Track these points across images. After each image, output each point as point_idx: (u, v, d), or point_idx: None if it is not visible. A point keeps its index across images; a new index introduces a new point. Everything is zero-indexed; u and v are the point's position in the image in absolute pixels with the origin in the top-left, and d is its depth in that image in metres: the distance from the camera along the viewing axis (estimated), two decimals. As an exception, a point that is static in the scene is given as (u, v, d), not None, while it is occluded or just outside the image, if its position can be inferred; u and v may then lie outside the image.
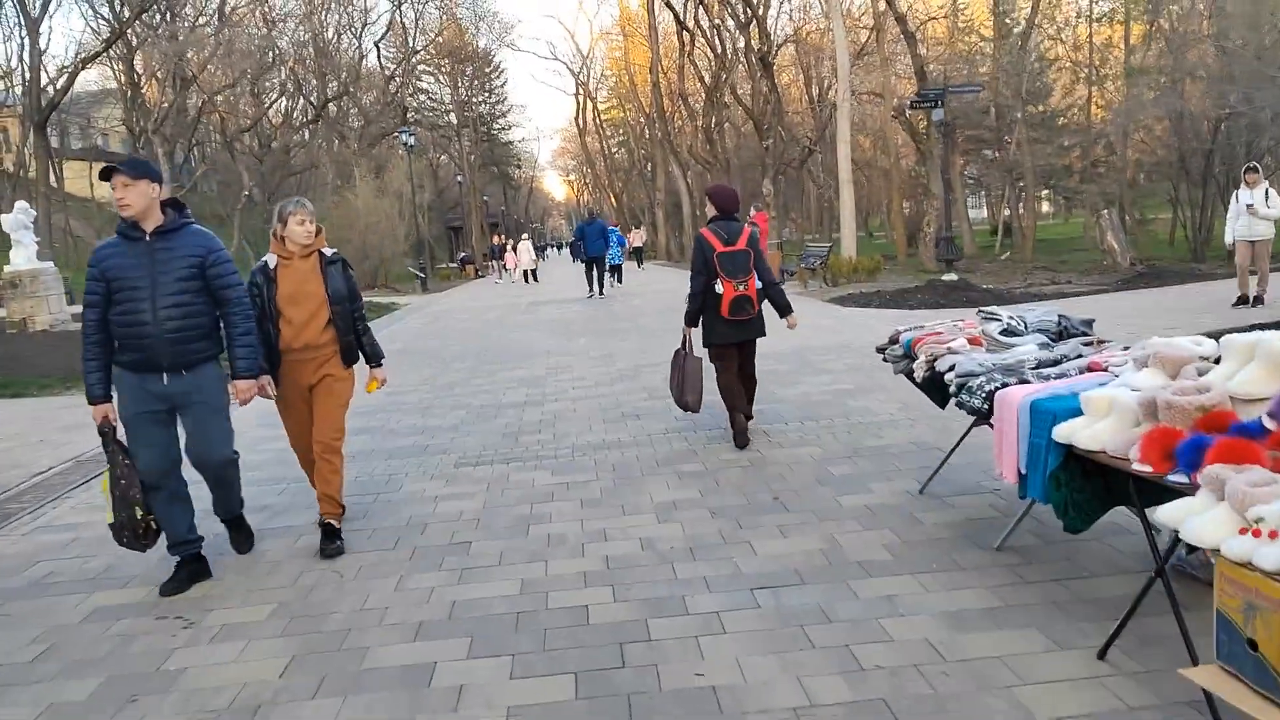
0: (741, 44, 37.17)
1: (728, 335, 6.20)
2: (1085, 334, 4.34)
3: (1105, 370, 3.49)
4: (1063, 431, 2.93)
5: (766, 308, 6.39)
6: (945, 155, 15.74)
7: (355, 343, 4.78)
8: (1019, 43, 30.91)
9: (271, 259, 4.60)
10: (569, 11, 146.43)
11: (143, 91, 37.90)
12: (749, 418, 6.37)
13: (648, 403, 7.79)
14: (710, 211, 6.38)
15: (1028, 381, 3.52)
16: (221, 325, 4.21)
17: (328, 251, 4.71)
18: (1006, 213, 47.60)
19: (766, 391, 7.78)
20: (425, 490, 5.58)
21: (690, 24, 33.69)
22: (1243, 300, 11.39)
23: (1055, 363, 3.76)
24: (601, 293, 20.80)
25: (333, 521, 4.63)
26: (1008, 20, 43.21)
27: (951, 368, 3.95)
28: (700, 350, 6.32)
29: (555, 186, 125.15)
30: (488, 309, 20.13)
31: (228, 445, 4.30)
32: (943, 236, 15.54)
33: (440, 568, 4.25)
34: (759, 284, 6.15)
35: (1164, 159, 33.00)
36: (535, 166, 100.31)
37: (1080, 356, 3.79)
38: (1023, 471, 3.26)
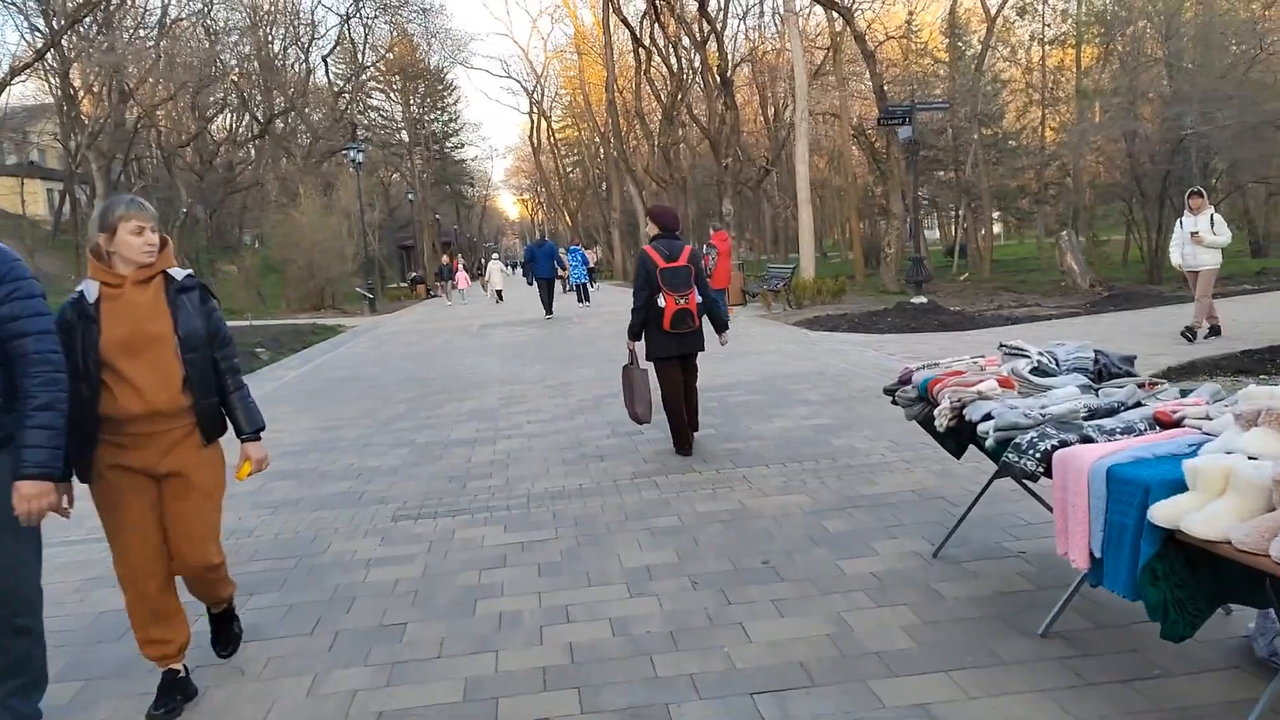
0: (698, 62, 36.89)
1: (670, 348, 6.40)
2: (1129, 373, 3.73)
3: (1181, 424, 2.85)
4: (1165, 514, 2.28)
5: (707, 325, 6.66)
6: (913, 174, 15.30)
7: (220, 408, 3.33)
8: (973, 65, 30.96)
9: (91, 287, 3.06)
10: (522, 29, 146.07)
11: (79, 105, 36.42)
12: (694, 429, 6.60)
13: (611, 440, 7.07)
14: (652, 230, 6.60)
15: (1090, 438, 2.87)
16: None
17: (178, 274, 3.20)
18: (960, 233, 47.89)
19: (741, 427, 7.11)
20: (356, 551, 4.79)
21: (646, 41, 33.23)
22: (1188, 332, 10.13)
23: (1112, 411, 3.12)
24: (550, 313, 20.51)
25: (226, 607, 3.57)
26: (960, 43, 43.65)
27: (987, 417, 3.28)
28: (645, 363, 6.51)
29: (509, 206, 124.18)
30: (437, 332, 19.27)
31: (27, 583, 2.81)
32: (913, 258, 15.08)
33: (366, 661, 3.48)
34: (699, 299, 6.40)
35: (1117, 181, 33.29)
36: (489, 185, 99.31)
37: (1139, 405, 3.16)
38: (1097, 555, 2.60)
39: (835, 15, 31.50)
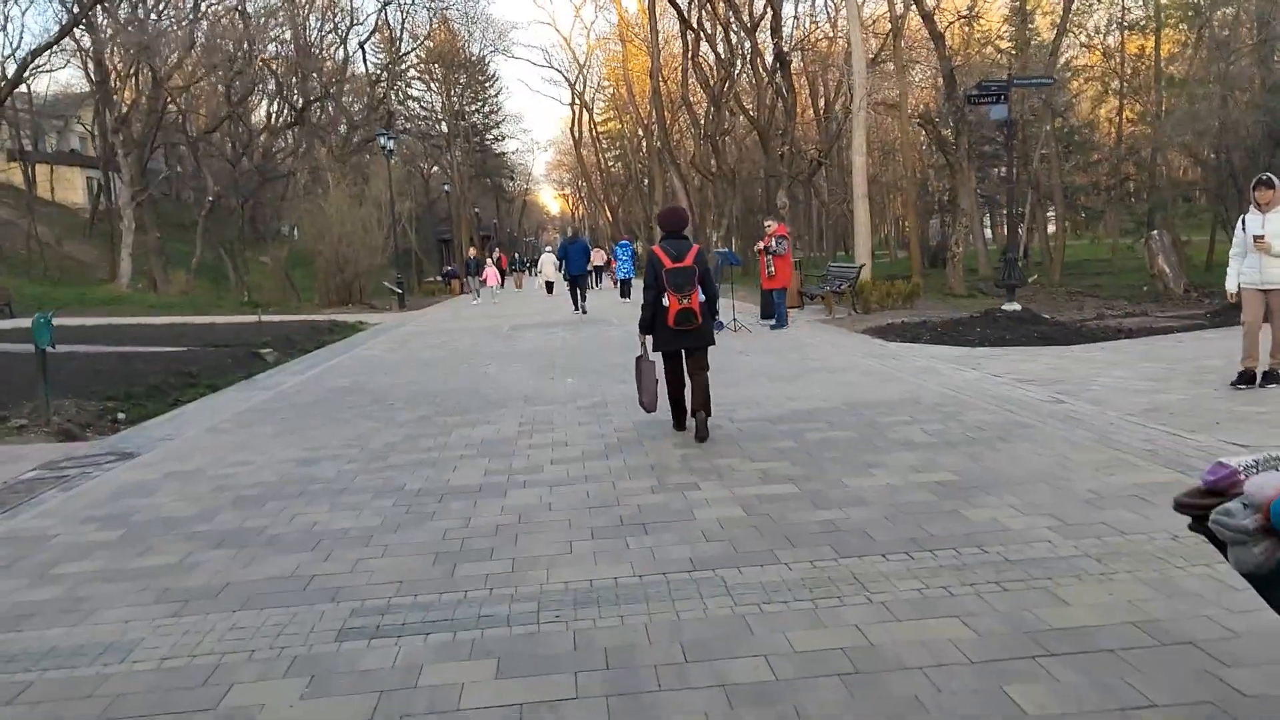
0: (748, 48, 34.95)
1: (672, 342, 6.85)
2: None
3: None
4: None
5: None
6: (1011, 160, 13.34)
7: None
8: (1047, 49, 28.66)
9: None
10: (565, 17, 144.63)
11: (112, 90, 35.39)
12: (708, 413, 6.86)
13: (658, 498, 5.30)
14: (659, 232, 7.04)
15: None
16: None
17: None
18: (1021, 232, 45.42)
19: (832, 481, 5.32)
20: (264, 707, 3.08)
21: (695, 24, 31.36)
22: (1246, 378, 7.57)
23: None
24: (584, 310, 20.61)
25: None
26: (1028, 29, 41.20)
27: None
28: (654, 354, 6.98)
29: (550, 200, 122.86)
30: (463, 333, 17.64)
31: None
32: (1006, 258, 13.13)
33: None
34: (702, 298, 6.72)
35: (1200, 178, 30.82)
36: (529, 179, 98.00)
37: None
38: None
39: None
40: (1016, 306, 12.72)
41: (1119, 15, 33.09)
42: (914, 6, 23.05)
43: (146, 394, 10.39)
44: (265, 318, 21.60)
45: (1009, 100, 12.55)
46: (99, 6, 29.59)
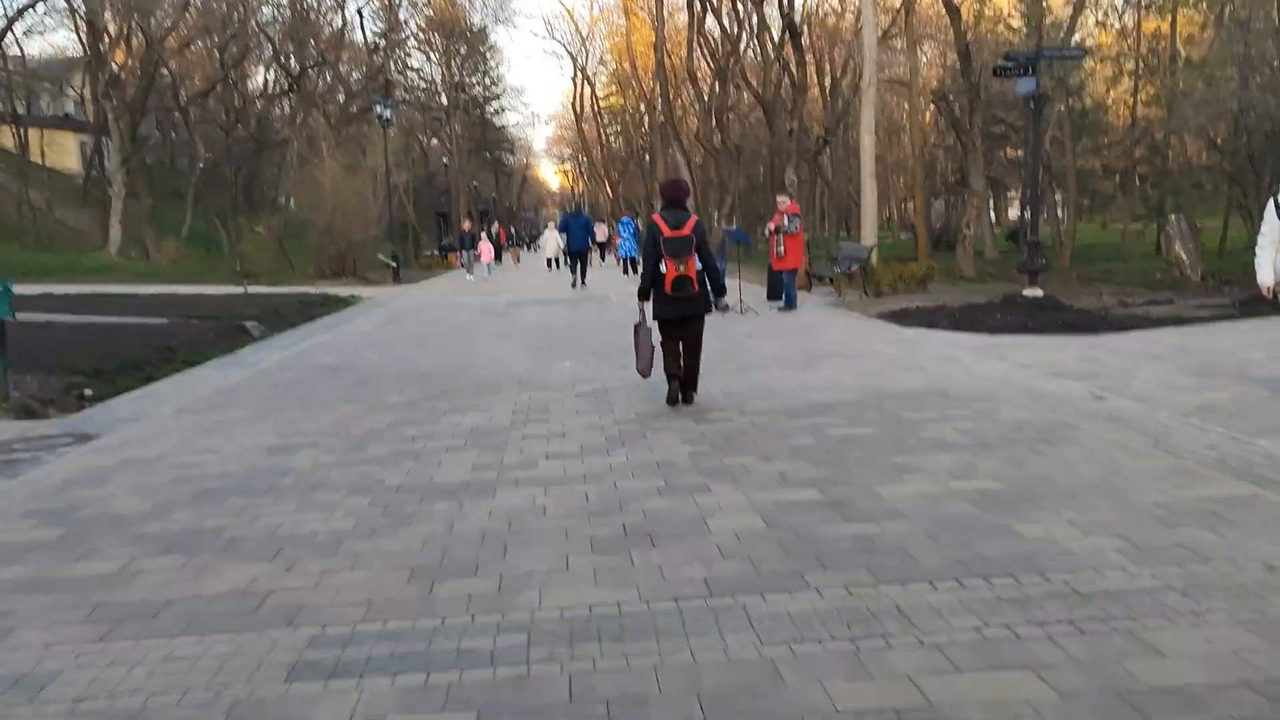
0: (755, 22, 34.10)
1: (670, 309, 7.00)
2: None
3: None
4: None
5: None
6: (1034, 134, 12.67)
7: None
8: (1065, 27, 27.85)
9: None
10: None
11: (105, 53, 34.46)
12: (693, 388, 7.28)
13: (665, 503, 4.72)
14: (660, 202, 7.30)
15: None
16: None
17: None
18: (1016, 215, 44.70)
19: (861, 489, 4.74)
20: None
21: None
22: None
23: None
24: (584, 285, 20.73)
25: None
26: (1043, 4, 40.26)
27: None
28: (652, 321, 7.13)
29: (550, 176, 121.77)
30: (458, 308, 17.03)
31: None
32: (1028, 241, 12.49)
33: None
34: (699, 265, 6.91)
35: (1214, 162, 30.13)
36: (529, 154, 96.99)
37: None
38: None
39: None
40: (1038, 292, 12.11)
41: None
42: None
43: (119, 369, 9.78)
44: (256, 289, 20.96)
45: (1037, 72, 11.89)
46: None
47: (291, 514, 4.75)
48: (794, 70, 24.59)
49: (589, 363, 9.58)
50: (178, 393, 8.62)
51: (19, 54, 46.16)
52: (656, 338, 7.14)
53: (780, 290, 15.01)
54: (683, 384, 7.13)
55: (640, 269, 7.58)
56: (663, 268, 6.84)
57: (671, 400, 7.11)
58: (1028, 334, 10.26)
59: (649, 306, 7.07)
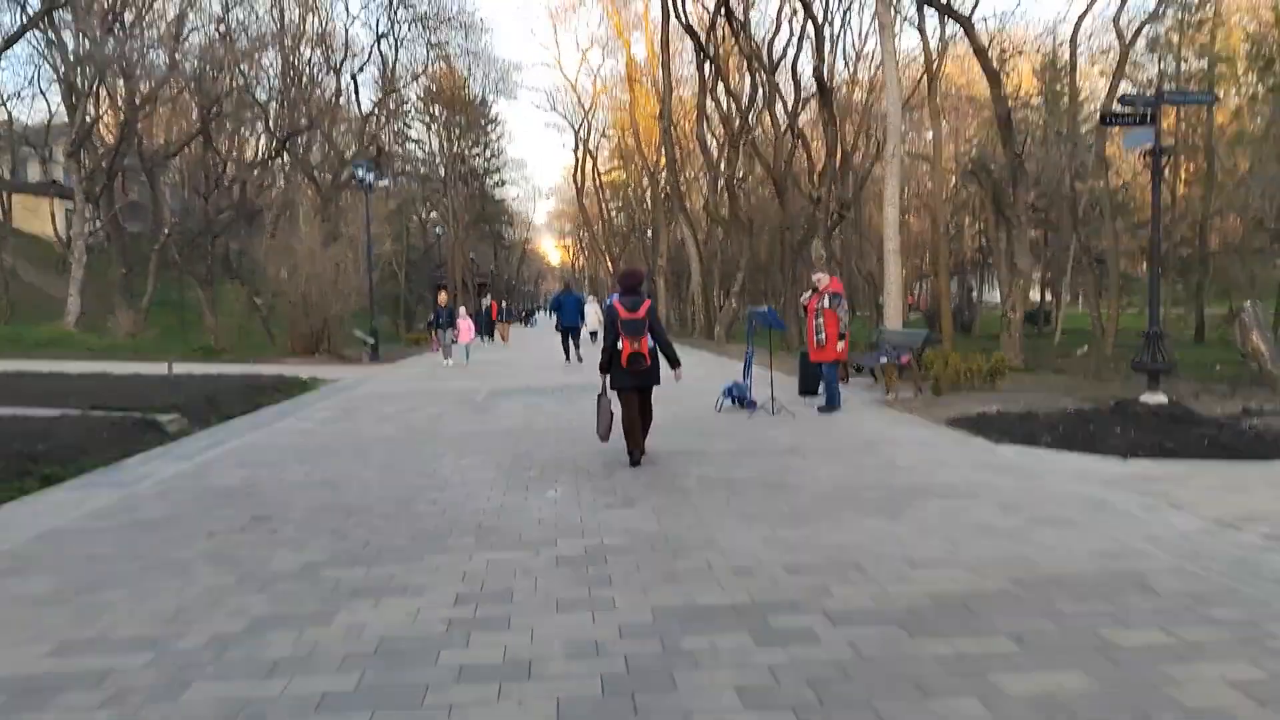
0: (761, 95, 32.30)
1: (627, 380, 8.02)
2: None
3: None
4: None
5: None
6: (1155, 199, 10.20)
7: None
8: (1107, 98, 25.89)
9: None
10: (571, 61, 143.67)
11: (78, 114, 32.50)
12: (642, 451, 8.10)
13: None
14: (618, 289, 8.48)
15: None
16: None
17: None
18: (1048, 298, 42.49)
19: None
20: None
21: (713, 54, 28.62)
22: None
23: None
24: (580, 359, 21.20)
25: None
26: (1059, 88, 38.75)
27: None
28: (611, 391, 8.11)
29: (550, 250, 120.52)
30: (429, 398, 14.41)
31: None
32: (1148, 333, 9.93)
33: None
34: (651, 343, 7.95)
35: (1265, 244, 27.93)
36: (530, 228, 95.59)
37: None
38: None
39: (939, 35, 26.87)
40: (1162, 399, 9.50)
41: (1169, 70, 30.54)
42: (967, 39, 20.19)
43: (-54, 488, 7.17)
44: (211, 368, 18.39)
45: (1158, 121, 9.48)
46: (57, 19, 26.93)
47: None
48: (823, 131, 22.38)
49: (581, 493, 6.93)
50: (-17, 538, 5.95)
51: (7, 118, 44.64)
52: (616, 407, 8.12)
53: (817, 385, 12.45)
54: (632, 442, 7.99)
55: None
56: (619, 345, 7.86)
57: (633, 460, 7.98)
58: (1171, 459, 7.64)
59: (608, 378, 8.13)
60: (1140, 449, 7.88)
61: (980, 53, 19.74)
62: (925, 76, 29.66)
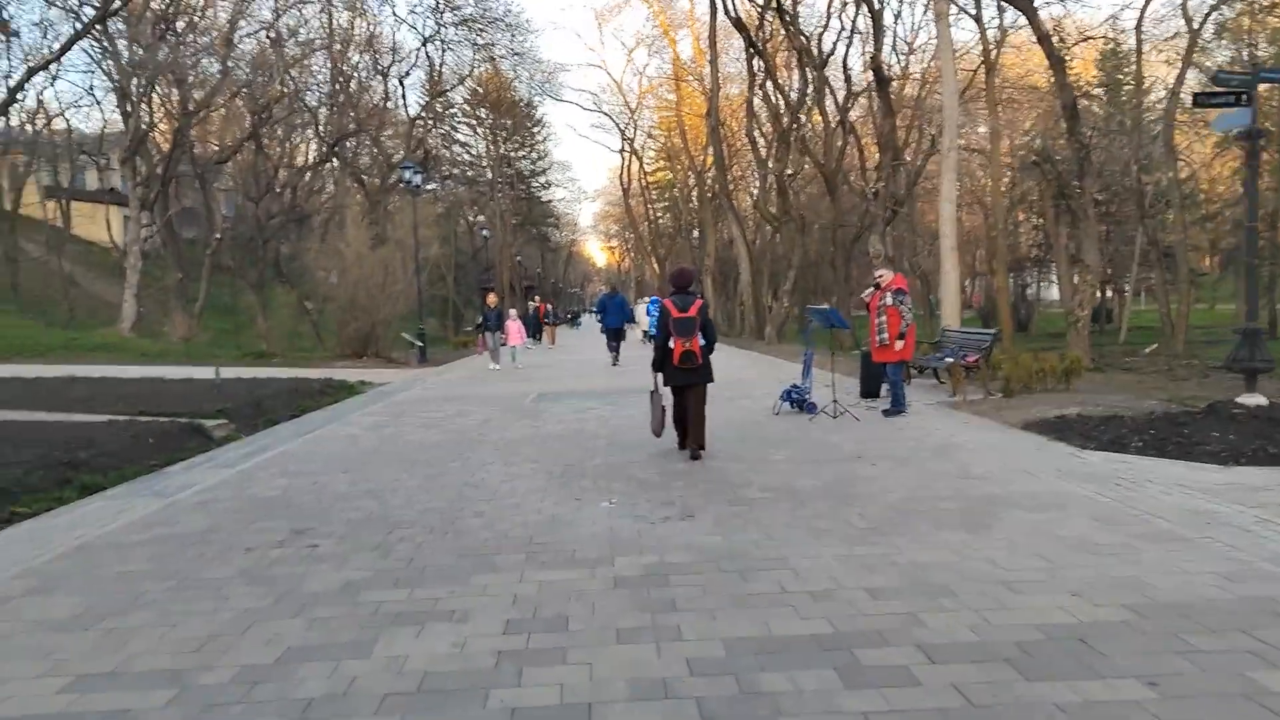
0: (810, 91, 31.63)
1: (678, 378, 8.27)
2: None
3: None
4: None
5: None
6: (1250, 183, 9.50)
7: None
8: (1175, 86, 24.84)
9: None
10: (616, 61, 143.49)
11: (134, 121, 32.92)
12: (701, 446, 8.21)
13: None
14: (669, 288, 8.56)
15: None
16: None
17: None
18: (1111, 295, 41.16)
19: None
20: None
21: (762, 48, 28.03)
22: None
23: None
24: (615, 363, 21.14)
25: None
26: (1120, 76, 37.48)
27: None
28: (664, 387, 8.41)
29: (596, 252, 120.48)
30: (477, 402, 14.11)
31: None
32: (1244, 329, 9.26)
33: None
34: (702, 342, 8.15)
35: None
36: (576, 230, 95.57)
37: None
38: None
39: (998, 23, 26.03)
40: (1262, 400, 8.78)
41: (1240, 57, 29.23)
42: (1028, 26, 19.40)
43: (-15, 497, 6.98)
44: (259, 371, 18.33)
45: (1254, 101, 8.77)
46: (111, 29, 27.25)
47: None
48: (880, 123, 21.69)
49: (637, 504, 6.51)
50: (17, 549, 5.69)
51: (65, 128, 45.57)
52: (668, 401, 8.49)
53: (879, 386, 11.90)
54: (692, 439, 8.19)
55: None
56: (671, 344, 8.10)
57: (682, 445, 8.42)
58: (1276, 465, 6.99)
59: (660, 376, 8.43)
60: (1242, 455, 7.24)
61: (1044, 39, 18.92)
62: (982, 66, 28.83)
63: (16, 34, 31.01)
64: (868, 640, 3.80)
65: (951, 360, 12.08)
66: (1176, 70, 26.43)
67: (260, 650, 3.93)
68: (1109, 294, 42.29)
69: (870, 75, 35.43)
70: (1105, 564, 4.74)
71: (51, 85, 54.81)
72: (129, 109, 30.59)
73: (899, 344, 10.31)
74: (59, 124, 44.25)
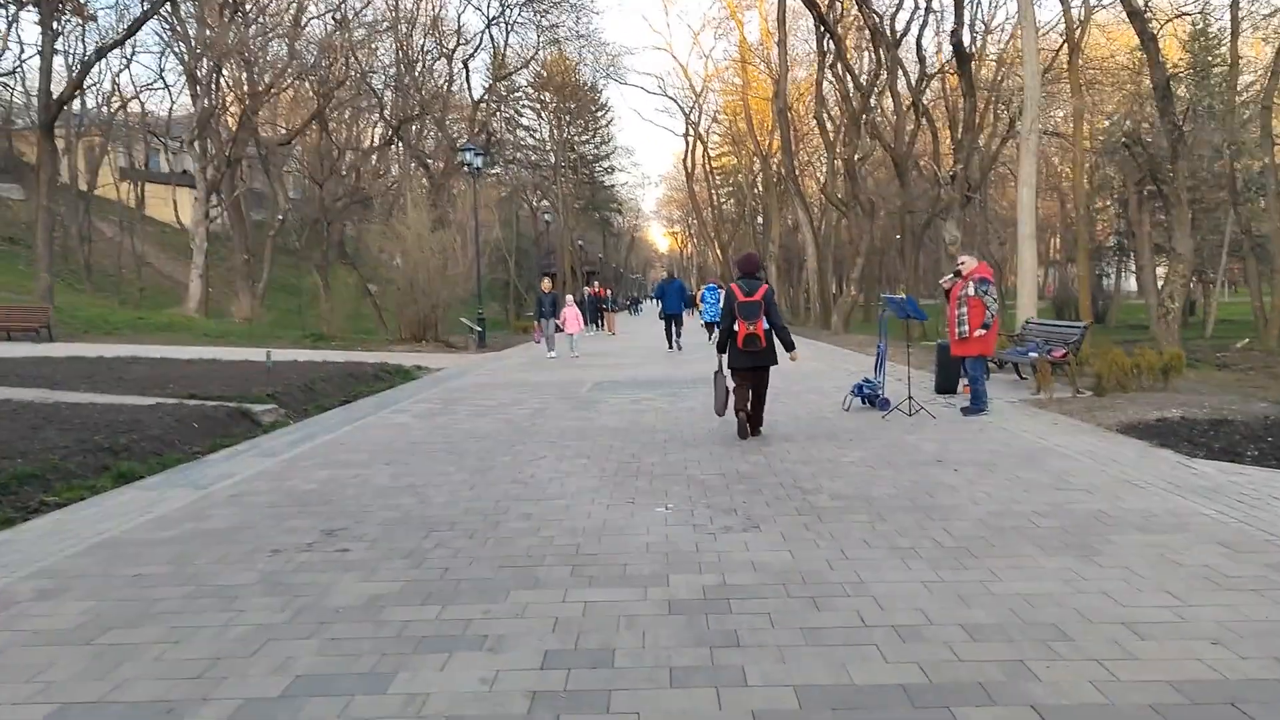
0: (884, 76, 30.52)
1: (741, 360, 8.39)
2: None
3: None
4: None
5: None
6: None
7: None
8: (1274, 65, 23.25)
9: None
10: (682, 44, 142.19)
11: (202, 103, 33.26)
12: (759, 423, 8.67)
13: None
14: (736, 273, 8.72)
15: None
16: None
17: None
18: (1198, 287, 39.28)
19: None
20: None
21: (834, 28, 27.06)
22: None
23: None
24: (680, 348, 21.53)
25: None
26: (1211, 58, 35.56)
27: None
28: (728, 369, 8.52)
29: (658, 238, 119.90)
30: (531, 390, 13.69)
31: None
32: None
33: None
34: (766, 326, 8.27)
35: None
36: (639, 215, 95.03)
37: None
38: None
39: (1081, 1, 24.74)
40: (1397, 406, 7.93)
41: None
42: (1114, 4, 18.23)
43: (21, 480, 6.74)
44: (316, 354, 18.20)
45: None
46: (181, 11, 27.44)
47: None
48: (961, 103, 20.69)
49: (696, 510, 5.95)
50: (34, 546, 5.36)
51: (140, 110, 46.43)
52: (731, 384, 8.53)
53: (957, 382, 11.14)
54: (751, 420, 8.47)
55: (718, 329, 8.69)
56: (736, 327, 8.24)
57: (741, 434, 8.42)
58: None
59: (725, 358, 8.56)
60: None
61: (1135, 15, 17.75)
62: (1065, 45, 27.48)
63: (94, 18, 31.54)
64: (969, 696, 3.20)
65: (1036, 355, 11.25)
66: (1275, 48, 24.83)
67: (266, 680, 3.47)
68: (1193, 284, 40.35)
69: (944, 55, 34.26)
70: (1243, 602, 4.05)
71: (127, 68, 55.98)
72: (197, 91, 30.93)
73: (980, 333, 9.55)
74: (134, 107, 45.10)
